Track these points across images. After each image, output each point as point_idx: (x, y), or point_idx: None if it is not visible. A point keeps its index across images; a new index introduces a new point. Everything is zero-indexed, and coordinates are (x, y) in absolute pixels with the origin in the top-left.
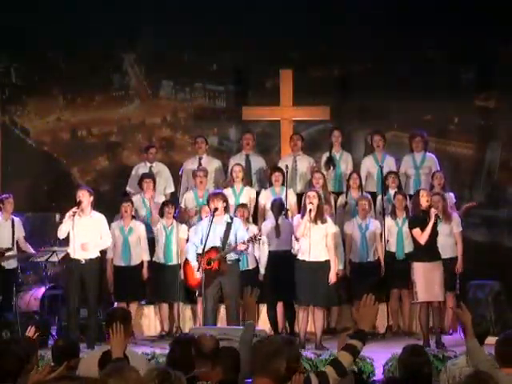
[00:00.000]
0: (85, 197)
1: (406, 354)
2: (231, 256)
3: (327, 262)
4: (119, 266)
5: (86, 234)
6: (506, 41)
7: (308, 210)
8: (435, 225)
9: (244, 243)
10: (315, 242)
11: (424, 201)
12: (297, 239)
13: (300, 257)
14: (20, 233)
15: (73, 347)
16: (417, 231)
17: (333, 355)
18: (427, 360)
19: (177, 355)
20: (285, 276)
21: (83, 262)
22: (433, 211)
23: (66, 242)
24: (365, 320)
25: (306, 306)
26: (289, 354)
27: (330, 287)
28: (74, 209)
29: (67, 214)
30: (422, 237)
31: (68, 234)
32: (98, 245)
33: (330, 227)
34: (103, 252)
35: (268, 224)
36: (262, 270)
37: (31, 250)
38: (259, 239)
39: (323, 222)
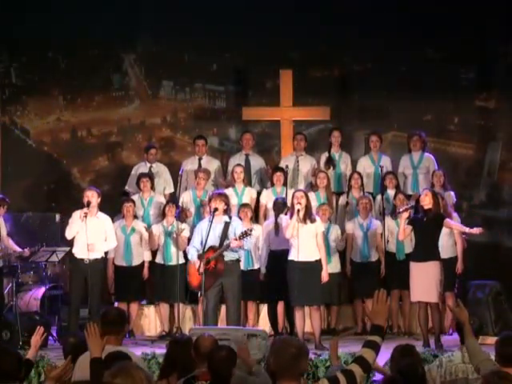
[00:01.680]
0: (94, 197)
1: (397, 353)
2: (231, 256)
3: (318, 262)
4: (120, 266)
5: (92, 234)
6: (506, 41)
7: (296, 210)
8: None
9: (236, 240)
10: (305, 242)
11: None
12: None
13: (290, 257)
14: (3, 231)
15: (84, 344)
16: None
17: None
18: (418, 360)
19: (174, 356)
20: (285, 275)
21: (87, 262)
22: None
23: (66, 241)
24: (380, 315)
25: (301, 306)
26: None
27: (324, 286)
28: (85, 210)
29: (74, 214)
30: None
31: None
32: (104, 245)
33: (319, 226)
34: (106, 252)
35: (270, 223)
36: (263, 269)
37: (16, 247)
38: (250, 234)
39: (312, 221)
